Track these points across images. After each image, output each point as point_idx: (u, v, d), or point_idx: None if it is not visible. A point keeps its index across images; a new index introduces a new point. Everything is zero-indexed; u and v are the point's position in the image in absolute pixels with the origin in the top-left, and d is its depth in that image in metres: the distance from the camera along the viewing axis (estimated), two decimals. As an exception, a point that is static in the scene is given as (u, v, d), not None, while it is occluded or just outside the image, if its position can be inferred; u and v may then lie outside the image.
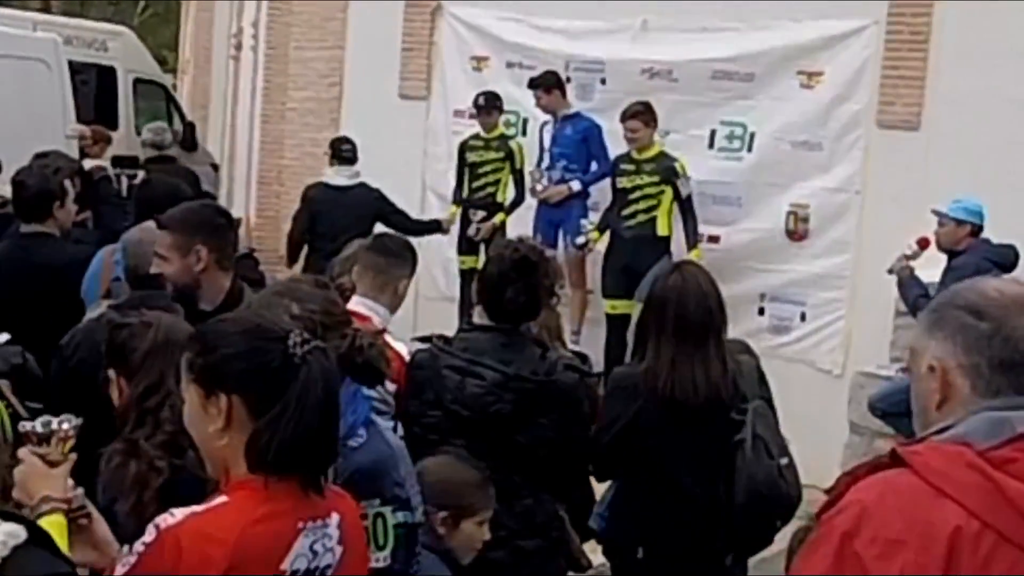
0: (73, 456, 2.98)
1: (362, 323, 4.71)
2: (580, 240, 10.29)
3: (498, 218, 10.74)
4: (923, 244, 8.65)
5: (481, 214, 10.76)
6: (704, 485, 4.54)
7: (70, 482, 2.91)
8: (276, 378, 2.65)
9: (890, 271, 8.65)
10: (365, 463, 3.32)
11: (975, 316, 2.38)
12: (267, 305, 3.41)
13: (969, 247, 8.41)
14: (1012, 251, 8.37)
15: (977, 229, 8.51)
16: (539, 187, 10.54)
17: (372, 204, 10.57)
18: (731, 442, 4.40)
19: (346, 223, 9.72)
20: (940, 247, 8.56)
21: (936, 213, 8.57)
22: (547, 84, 10.50)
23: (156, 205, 5.70)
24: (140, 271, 5.03)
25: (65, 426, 3.00)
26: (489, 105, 10.80)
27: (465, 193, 10.97)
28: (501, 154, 10.82)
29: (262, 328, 2.77)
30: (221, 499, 2.66)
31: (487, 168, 10.86)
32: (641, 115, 9.94)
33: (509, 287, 4.40)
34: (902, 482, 2.29)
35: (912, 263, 8.58)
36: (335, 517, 2.76)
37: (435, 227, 10.77)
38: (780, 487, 4.41)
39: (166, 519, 2.63)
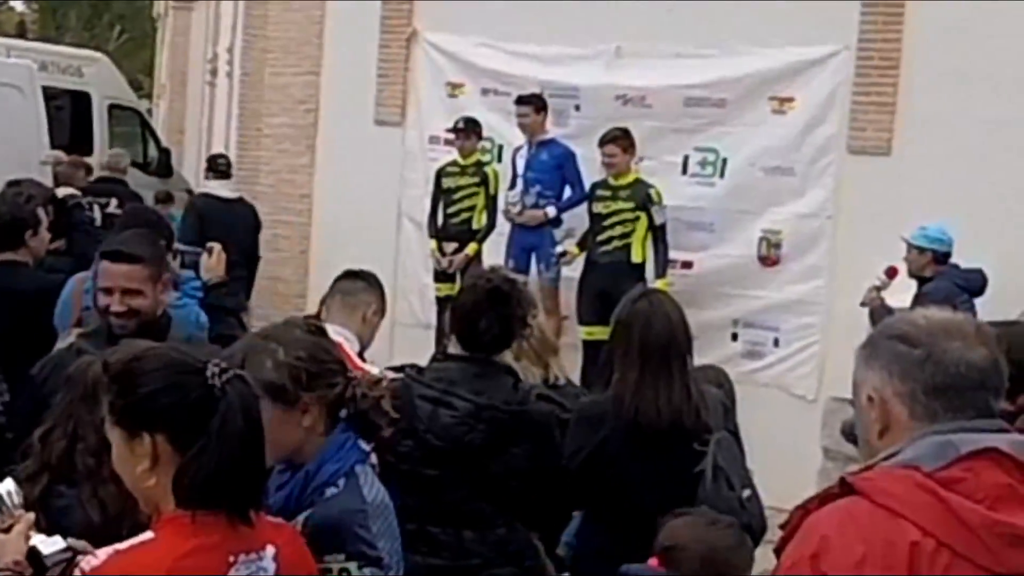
0: (25, 515, 2.94)
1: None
2: (559, 249, 10.31)
3: (470, 249, 10.72)
4: (891, 274, 8.72)
5: (453, 246, 10.76)
6: (667, 514, 4.54)
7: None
8: (197, 411, 2.61)
9: (863, 304, 8.70)
10: (333, 516, 3.23)
11: (906, 344, 2.46)
12: (253, 348, 3.36)
13: (937, 273, 8.49)
14: (980, 276, 8.45)
15: (942, 256, 8.58)
16: (515, 209, 10.56)
17: (253, 217, 10.81)
18: (693, 472, 4.42)
19: (235, 233, 9.89)
20: (910, 273, 8.63)
21: (903, 240, 8.65)
22: (538, 104, 10.56)
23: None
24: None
25: (7, 495, 2.97)
26: (468, 129, 10.82)
27: (440, 220, 10.97)
28: (476, 179, 10.83)
29: (179, 362, 2.71)
30: (147, 536, 2.63)
31: (462, 194, 10.86)
32: (619, 140, 9.98)
33: (482, 317, 4.42)
34: (858, 509, 2.35)
35: (883, 293, 8.64)
36: (270, 549, 2.72)
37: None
38: (740, 519, 4.43)
39: (90, 561, 2.59)
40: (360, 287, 5.33)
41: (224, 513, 2.62)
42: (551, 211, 10.48)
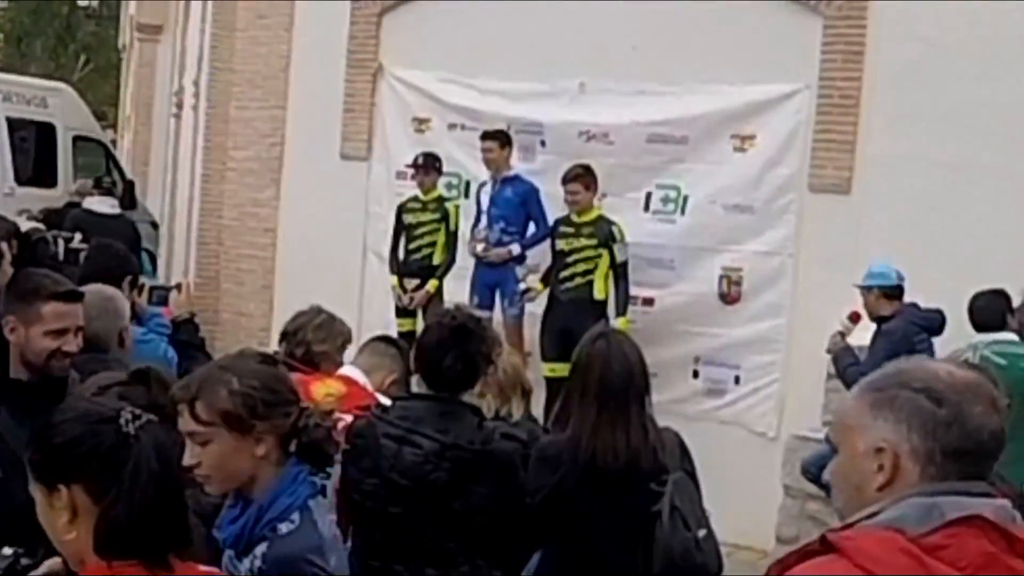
0: None
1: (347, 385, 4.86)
2: (522, 286, 10.34)
3: (431, 285, 10.71)
4: (855, 319, 8.79)
5: (415, 282, 10.77)
6: (624, 554, 4.57)
7: None
8: (111, 460, 2.58)
9: (828, 351, 8.74)
10: (292, 552, 3.25)
11: (934, 402, 2.37)
12: (208, 378, 3.39)
13: (896, 312, 8.57)
14: (939, 316, 8.53)
15: (891, 290, 8.66)
16: (480, 247, 10.59)
17: (132, 233, 10.87)
18: (650, 512, 4.45)
19: None
20: (870, 317, 8.73)
21: (856, 287, 8.77)
22: (502, 139, 10.61)
23: (109, 273, 5.77)
24: (86, 333, 5.05)
25: None
26: (428, 165, 10.84)
27: (401, 255, 10.99)
28: (437, 215, 10.83)
29: (91, 412, 2.69)
30: None
31: (423, 230, 10.86)
32: (581, 178, 10.02)
33: (446, 355, 4.44)
34: (838, 568, 2.28)
35: (847, 338, 8.71)
36: None
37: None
38: (695, 559, 4.46)
39: None
40: (391, 353, 5.41)
41: (142, 563, 2.58)
42: (516, 249, 10.50)
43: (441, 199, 10.92)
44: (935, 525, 2.28)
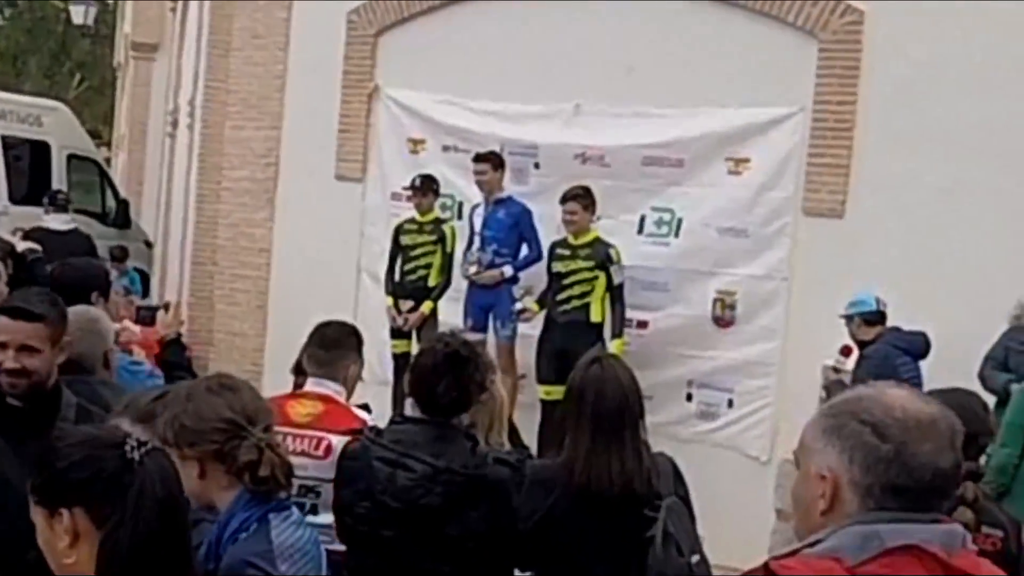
0: None
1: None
2: (518, 306, 10.33)
3: (426, 307, 10.71)
4: (846, 352, 8.83)
5: (409, 303, 10.76)
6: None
7: None
8: (113, 485, 2.60)
9: (824, 387, 8.75)
10: (237, 555, 3.32)
11: (878, 436, 2.36)
12: (167, 404, 3.54)
13: (878, 336, 8.59)
14: (922, 338, 8.54)
15: (872, 316, 8.68)
16: (472, 269, 10.59)
17: (88, 247, 10.96)
18: (643, 538, 4.44)
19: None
20: (857, 345, 8.76)
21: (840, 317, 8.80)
22: (495, 161, 10.60)
23: (76, 289, 5.75)
24: (70, 355, 5.05)
25: None
26: (425, 187, 10.86)
27: (397, 276, 10.99)
28: (434, 237, 10.85)
29: (96, 437, 2.73)
30: None
31: (420, 251, 10.87)
32: (580, 198, 10.02)
33: (440, 381, 4.44)
34: None
35: (841, 372, 8.73)
36: None
37: None
38: None
39: None
40: (333, 355, 5.47)
41: None
42: (508, 271, 10.50)
43: (438, 221, 10.94)
44: (873, 554, 2.29)
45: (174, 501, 2.68)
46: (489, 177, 10.60)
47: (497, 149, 10.88)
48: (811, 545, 2.37)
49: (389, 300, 10.93)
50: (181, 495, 2.75)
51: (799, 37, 10.02)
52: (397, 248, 10.99)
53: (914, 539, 2.30)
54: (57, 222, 11.69)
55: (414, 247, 10.90)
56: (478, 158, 10.67)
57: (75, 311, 5.22)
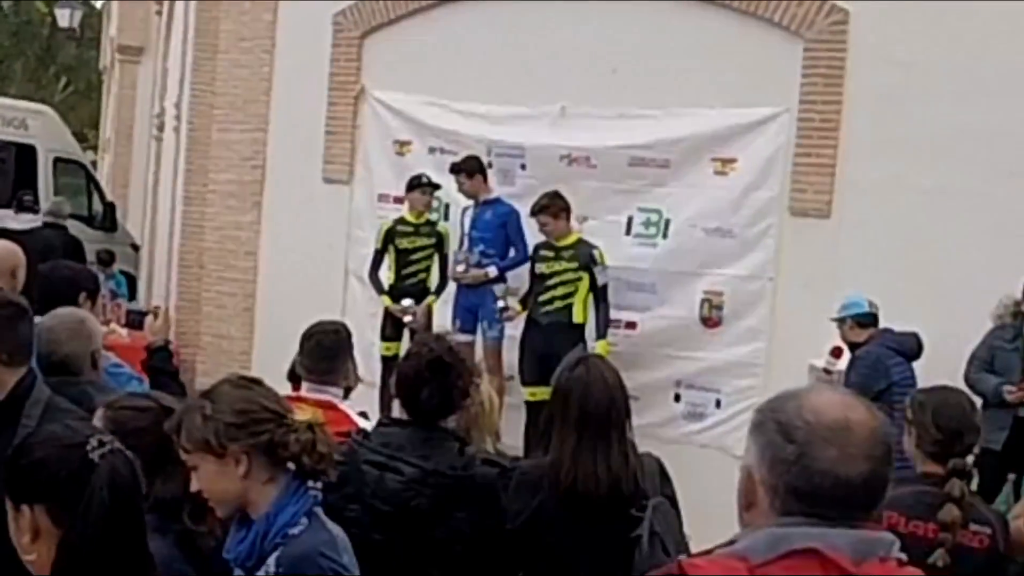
0: None
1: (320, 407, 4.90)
2: (500, 304, 10.30)
3: (430, 300, 10.71)
4: (836, 354, 8.85)
5: (409, 301, 10.73)
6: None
7: None
8: (72, 485, 2.64)
9: None
10: (305, 549, 3.36)
11: (784, 437, 2.35)
12: (188, 409, 3.51)
13: (870, 338, 8.61)
14: (914, 339, 8.55)
15: (864, 318, 8.70)
16: (460, 268, 10.58)
17: (48, 247, 11.03)
18: (630, 538, 4.44)
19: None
20: (847, 346, 8.78)
21: (831, 320, 8.81)
22: (470, 169, 10.57)
23: (64, 290, 5.74)
24: (53, 358, 5.04)
25: None
26: (433, 186, 10.82)
27: (393, 279, 10.92)
28: (432, 240, 10.84)
29: (62, 436, 2.75)
30: None
31: (420, 255, 10.84)
32: (547, 209, 9.98)
33: (424, 387, 4.44)
34: None
35: (831, 374, 8.74)
36: None
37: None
38: None
39: None
40: (329, 366, 5.52)
41: None
42: (493, 271, 10.48)
43: (431, 223, 10.92)
44: (777, 554, 2.30)
45: (123, 504, 2.68)
46: (468, 186, 10.62)
47: (483, 151, 10.90)
48: (728, 544, 2.39)
49: (387, 300, 10.88)
50: (138, 496, 2.76)
51: (784, 37, 10.04)
52: (390, 251, 10.92)
53: (817, 543, 2.28)
54: (18, 222, 11.72)
55: (413, 251, 10.86)
56: (452, 169, 10.68)
57: (62, 313, 5.24)
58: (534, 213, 10.06)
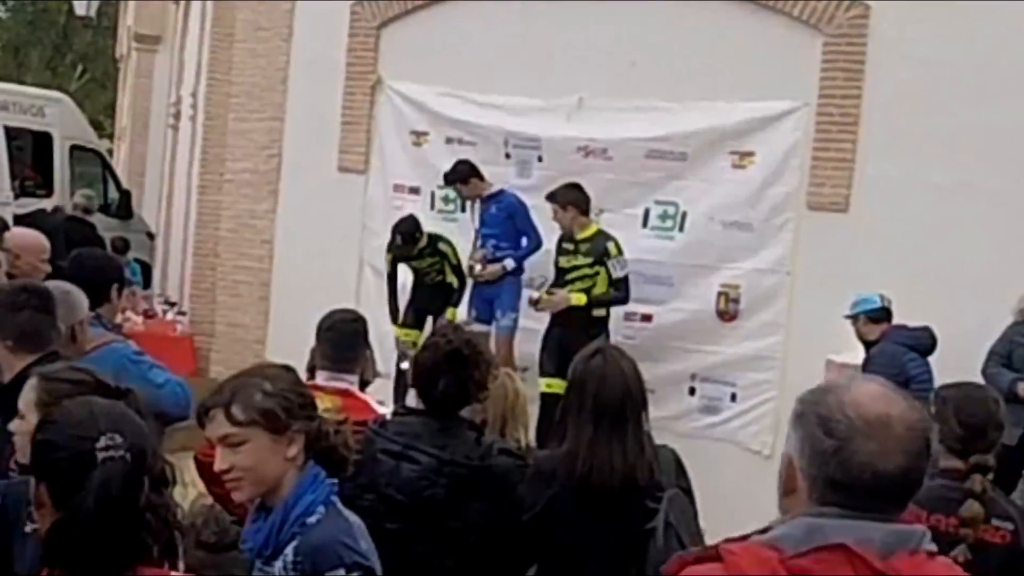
0: None
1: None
2: (534, 295, 10.25)
3: (450, 315, 10.51)
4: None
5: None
6: (617, 570, 4.53)
7: None
8: (72, 475, 2.67)
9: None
10: (325, 536, 3.35)
11: (823, 430, 2.40)
12: (241, 384, 3.46)
13: (883, 335, 8.56)
14: (927, 334, 8.51)
15: (876, 313, 8.65)
16: (478, 268, 10.55)
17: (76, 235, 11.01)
18: (645, 529, 4.42)
19: None
20: (861, 343, 8.74)
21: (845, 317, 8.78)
22: (462, 177, 10.55)
23: (88, 282, 5.70)
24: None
25: None
26: (411, 240, 10.63)
27: (412, 295, 10.90)
28: (436, 258, 10.72)
29: (78, 422, 2.78)
30: None
31: (428, 270, 10.76)
32: (554, 198, 9.99)
33: (441, 378, 4.43)
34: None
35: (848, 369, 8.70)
36: None
37: None
38: None
39: None
40: (346, 357, 5.47)
41: None
42: (509, 264, 10.46)
43: (432, 239, 10.72)
44: (812, 547, 2.34)
45: (117, 513, 2.69)
46: (466, 191, 10.66)
47: (501, 142, 10.94)
48: (763, 531, 2.43)
49: (397, 331, 10.79)
50: (137, 504, 2.75)
51: (804, 31, 10.00)
52: (395, 273, 10.85)
53: (848, 538, 2.34)
54: (18, 207, 11.71)
55: (422, 269, 10.81)
56: (447, 181, 10.69)
57: (49, 285, 5.21)
58: (547, 199, 10.06)
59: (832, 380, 2.55)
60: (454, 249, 10.77)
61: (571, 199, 9.97)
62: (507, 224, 10.53)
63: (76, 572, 2.65)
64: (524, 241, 10.54)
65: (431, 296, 10.78)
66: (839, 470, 2.37)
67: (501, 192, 10.62)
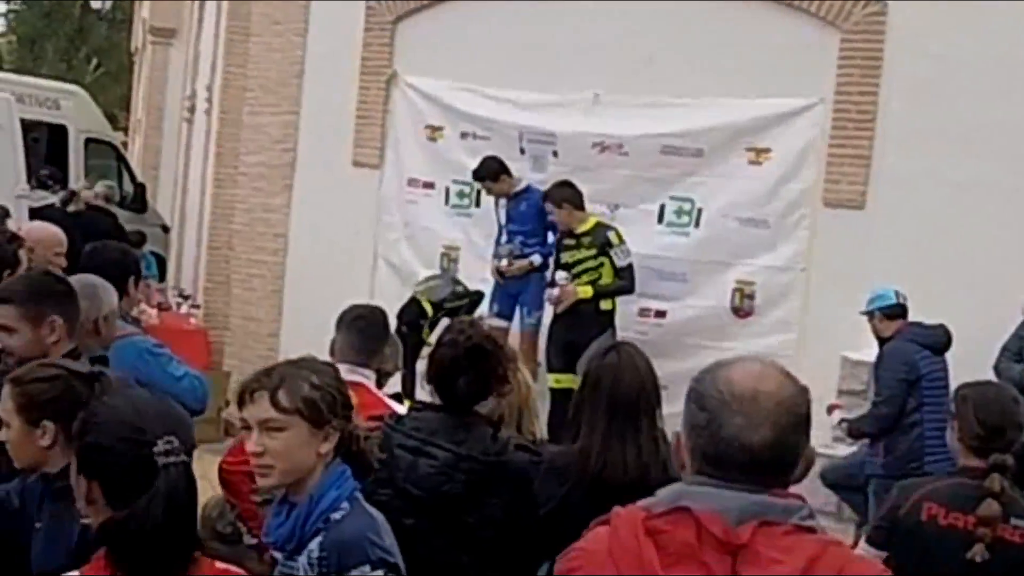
0: None
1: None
2: (555, 292, 10.13)
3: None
4: (832, 409, 8.76)
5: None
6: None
7: None
8: (130, 478, 2.70)
9: (850, 435, 8.67)
10: (351, 532, 3.36)
11: (698, 405, 2.52)
12: (289, 373, 3.47)
13: (898, 332, 8.53)
14: (942, 331, 8.46)
15: (891, 309, 8.62)
16: (503, 263, 10.52)
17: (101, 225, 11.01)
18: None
19: None
20: (877, 339, 8.71)
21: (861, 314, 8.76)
22: (492, 174, 10.52)
23: (107, 276, 5.70)
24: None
25: None
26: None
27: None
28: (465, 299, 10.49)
29: (128, 422, 2.79)
30: (72, 575, 2.74)
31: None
32: (549, 197, 10.01)
33: (461, 376, 4.40)
34: (602, 535, 2.58)
35: (842, 420, 8.66)
36: None
37: None
38: None
39: None
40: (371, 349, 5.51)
41: None
42: (536, 259, 10.45)
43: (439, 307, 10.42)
44: (668, 507, 2.48)
45: (179, 518, 2.72)
46: (495, 189, 10.62)
47: (515, 137, 10.93)
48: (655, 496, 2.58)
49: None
50: (194, 511, 2.80)
51: (821, 27, 10.00)
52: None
53: (703, 504, 2.44)
54: (32, 200, 11.72)
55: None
56: (476, 178, 10.66)
57: (75, 278, 5.20)
58: (541, 199, 10.11)
59: (720, 360, 2.62)
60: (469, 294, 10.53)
61: (564, 196, 9.97)
62: (535, 221, 10.51)
63: (140, 571, 2.66)
64: (551, 237, 10.48)
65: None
66: (710, 442, 2.48)
67: (528, 189, 10.60)
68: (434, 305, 10.29)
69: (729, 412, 2.46)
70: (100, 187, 15.67)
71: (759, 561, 2.40)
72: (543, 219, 10.44)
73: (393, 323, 9.39)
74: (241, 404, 3.46)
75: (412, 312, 10.29)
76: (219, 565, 2.90)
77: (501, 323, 9.75)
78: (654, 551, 2.43)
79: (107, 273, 5.69)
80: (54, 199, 14.61)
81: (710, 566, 2.41)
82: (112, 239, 8.49)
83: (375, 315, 5.65)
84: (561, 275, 9.96)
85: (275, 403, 3.38)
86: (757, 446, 2.44)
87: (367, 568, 3.31)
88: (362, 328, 5.50)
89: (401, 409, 5.02)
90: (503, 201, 10.67)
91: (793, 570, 2.39)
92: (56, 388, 3.70)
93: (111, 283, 5.53)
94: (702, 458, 2.50)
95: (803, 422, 2.51)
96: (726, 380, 2.50)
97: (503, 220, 10.65)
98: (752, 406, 2.46)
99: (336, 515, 3.39)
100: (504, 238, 10.62)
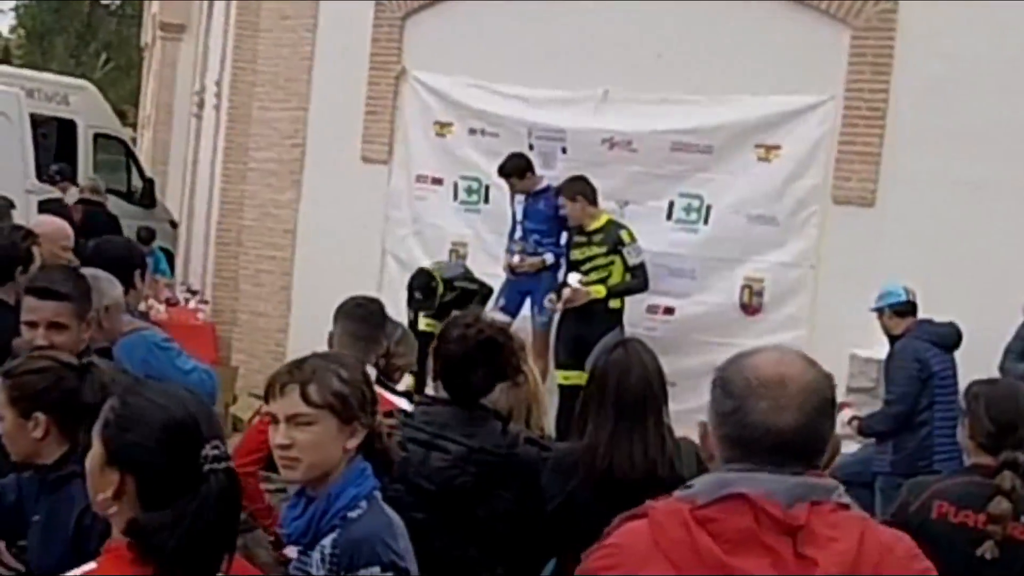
0: None
1: None
2: (566, 293, 10.16)
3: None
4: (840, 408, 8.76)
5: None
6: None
7: None
8: (173, 478, 2.64)
9: (861, 433, 8.68)
10: (365, 532, 3.36)
11: (724, 393, 2.55)
12: (320, 365, 3.47)
13: (907, 330, 8.52)
14: (952, 329, 8.47)
15: (901, 306, 8.60)
16: (516, 259, 10.52)
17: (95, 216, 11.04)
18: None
19: None
20: (887, 337, 8.70)
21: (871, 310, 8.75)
22: (518, 171, 10.49)
23: (112, 270, 5.70)
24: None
25: None
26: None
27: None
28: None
29: (181, 426, 2.71)
30: (90, 566, 2.67)
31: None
32: (563, 191, 10.02)
33: (473, 370, 4.40)
34: (638, 530, 2.57)
35: (854, 416, 8.65)
36: None
37: None
38: None
39: None
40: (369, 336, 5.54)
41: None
42: (549, 258, 10.43)
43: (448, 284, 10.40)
44: (717, 497, 2.48)
45: (224, 523, 2.68)
46: (520, 185, 10.56)
47: (524, 133, 10.92)
48: (686, 488, 2.58)
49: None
50: (239, 514, 2.76)
51: (831, 25, 9.98)
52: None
53: (749, 488, 2.46)
54: (39, 194, 11.79)
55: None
56: (501, 174, 10.60)
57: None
58: (554, 194, 10.07)
59: (743, 351, 2.66)
60: (480, 284, 10.53)
61: (578, 190, 9.97)
62: (551, 221, 10.47)
63: (177, 571, 2.61)
64: (564, 237, 10.44)
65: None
66: (737, 428, 2.52)
67: (548, 188, 10.56)
68: (444, 281, 10.30)
69: (755, 397, 2.49)
70: (86, 180, 15.81)
71: (817, 540, 2.43)
72: (559, 220, 10.39)
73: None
74: (270, 397, 3.45)
75: (422, 279, 10.33)
76: (239, 562, 2.87)
77: (505, 318, 9.73)
78: (710, 540, 2.44)
79: (113, 268, 5.70)
80: (60, 194, 14.71)
81: (774, 549, 2.43)
82: (109, 230, 8.54)
83: (372, 303, 5.66)
84: (574, 276, 9.96)
85: (305, 397, 3.39)
86: (785, 429, 2.48)
87: (377, 569, 3.31)
88: (359, 316, 5.51)
89: (407, 405, 5.01)
90: (520, 196, 10.64)
91: (849, 545, 2.44)
92: (47, 379, 3.73)
93: (118, 277, 5.54)
94: (732, 444, 2.53)
95: (828, 406, 2.55)
96: (752, 367, 2.54)
97: (520, 216, 10.62)
98: (778, 390, 2.49)
99: (353, 513, 3.39)
100: (519, 234, 10.60)
